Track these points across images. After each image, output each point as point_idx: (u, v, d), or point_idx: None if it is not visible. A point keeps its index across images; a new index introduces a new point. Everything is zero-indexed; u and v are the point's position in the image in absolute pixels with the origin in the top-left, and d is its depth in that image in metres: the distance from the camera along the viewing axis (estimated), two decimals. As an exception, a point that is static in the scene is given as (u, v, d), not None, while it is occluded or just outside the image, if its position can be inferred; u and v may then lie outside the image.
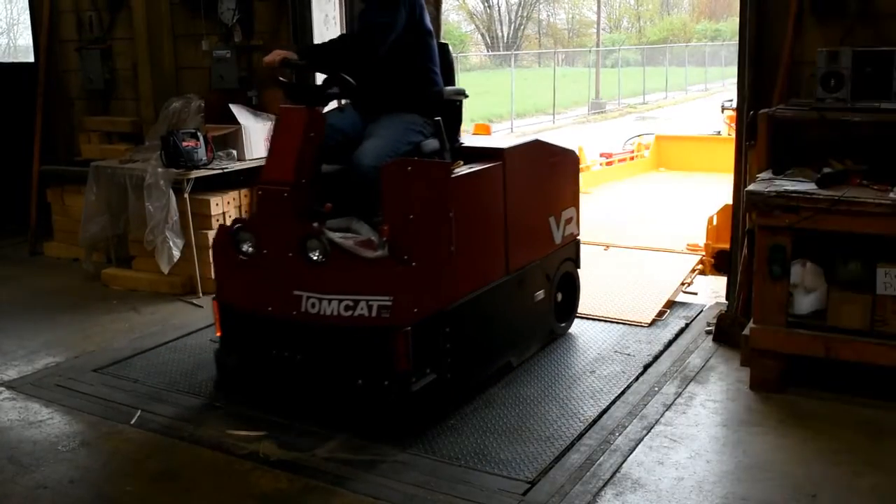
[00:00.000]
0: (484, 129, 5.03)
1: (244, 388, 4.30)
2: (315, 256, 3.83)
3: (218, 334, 4.30)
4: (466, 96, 4.76)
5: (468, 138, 4.85)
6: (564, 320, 5.19)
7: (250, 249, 4.03)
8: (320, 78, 4.31)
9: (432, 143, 4.41)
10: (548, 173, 4.88)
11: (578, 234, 5.23)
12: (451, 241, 4.03)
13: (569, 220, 5.08)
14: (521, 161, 4.60)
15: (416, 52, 4.42)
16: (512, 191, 4.48)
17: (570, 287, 5.22)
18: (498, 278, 4.45)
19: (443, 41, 4.80)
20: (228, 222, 5.34)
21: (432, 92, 4.50)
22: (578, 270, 5.29)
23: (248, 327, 4.12)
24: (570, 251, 5.16)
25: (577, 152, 5.35)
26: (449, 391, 4.08)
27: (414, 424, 3.92)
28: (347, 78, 4.09)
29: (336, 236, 3.83)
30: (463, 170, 4.26)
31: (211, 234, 6.05)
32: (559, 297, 5.09)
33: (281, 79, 4.31)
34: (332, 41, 4.52)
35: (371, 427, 3.89)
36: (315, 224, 3.84)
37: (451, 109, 4.60)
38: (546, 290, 4.89)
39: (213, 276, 4.72)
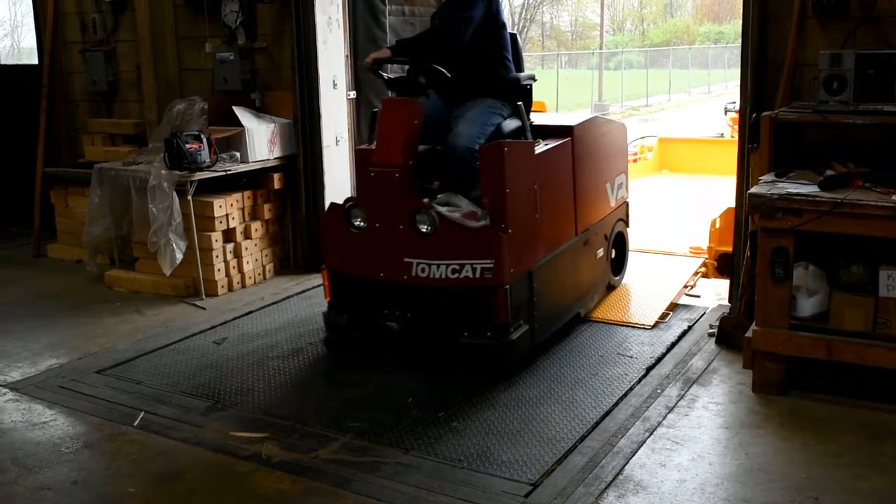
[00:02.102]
0: (540, 107, 5.56)
1: (353, 344, 4.86)
2: (424, 228, 4.41)
3: (327, 299, 4.91)
4: (536, 80, 5.28)
5: (535, 116, 5.28)
6: (618, 273, 5.92)
7: (362, 224, 4.60)
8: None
9: (511, 124, 4.91)
10: (604, 145, 5.59)
11: (628, 197, 6.00)
12: (536, 210, 4.68)
13: (620, 185, 5.85)
14: (586, 135, 5.30)
15: (492, 42, 4.92)
16: (579, 162, 5.18)
17: (621, 244, 5.99)
18: (569, 240, 5.12)
19: (511, 31, 5.19)
20: (231, 225, 5.73)
21: (507, 78, 4.99)
22: (628, 229, 6.04)
23: (359, 291, 4.69)
24: (622, 212, 5.95)
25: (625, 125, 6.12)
26: (535, 339, 4.70)
27: (512, 368, 4.54)
28: (443, 70, 4.62)
29: (444, 210, 4.40)
30: (542, 147, 4.88)
31: (214, 236, 6.08)
32: (613, 253, 5.80)
33: (382, 75, 4.79)
34: (419, 36, 5.00)
35: (476, 372, 4.49)
36: (425, 200, 4.42)
37: (524, 93, 5.08)
38: (604, 248, 5.63)
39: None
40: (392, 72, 4.97)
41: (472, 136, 4.62)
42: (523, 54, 5.38)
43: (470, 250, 4.37)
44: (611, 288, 5.79)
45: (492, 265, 4.35)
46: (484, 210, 4.43)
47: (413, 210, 4.42)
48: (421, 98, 4.74)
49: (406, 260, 4.46)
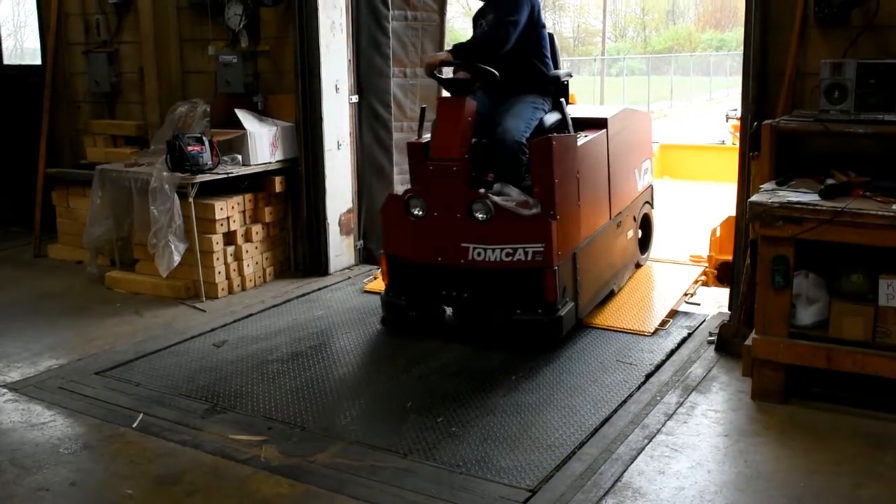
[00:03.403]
0: (572, 100, 5.93)
1: (410, 323, 5.28)
2: (481, 216, 4.83)
3: (385, 282, 5.35)
4: (571, 76, 5.72)
5: (569, 109, 5.59)
6: (644, 252, 6.48)
7: (420, 212, 5.02)
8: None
9: (551, 117, 5.30)
10: (632, 134, 6.10)
11: (652, 181, 6.59)
12: (579, 197, 5.14)
13: (646, 171, 6.43)
14: (618, 126, 5.77)
15: (533, 41, 5.30)
16: (612, 151, 5.67)
17: (647, 225, 6.53)
18: (605, 223, 5.60)
19: (549, 31, 5.56)
20: (232, 227, 5.83)
21: (548, 75, 5.38)
22: (653, 210, 6.59)
23: (417, 274, 5.12)
24: (648, 195, 6.52)
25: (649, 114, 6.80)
26: (579, 315, 5.19)
27: (560, 341, 5.00)
28: (493, 71, 4.96)
29: (499, 199, 4.81)
30: (583, 139, 5.34)
31: (214, 239, 6.08)
32: (640, 233, 6.34)
33: (438, 75, 5.15)
34: (471, 41, 5.28)
35: (528, 345, 4.93)
36: (481, 190, 4.85)
37: (562, 88, 5.46)
38: (633, 229, 6.17)
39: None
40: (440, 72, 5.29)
41: (520, 131, 5.01)
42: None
43: (522, 236, 4.80)
44: (638, 266, 6.35)
45: (542, 249, 4.79)
46: (534, 199, 4.85)
47: (470, 200, 4.85)
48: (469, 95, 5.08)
49: (463, 245, 4.90)
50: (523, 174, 5.01)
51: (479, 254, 4.89)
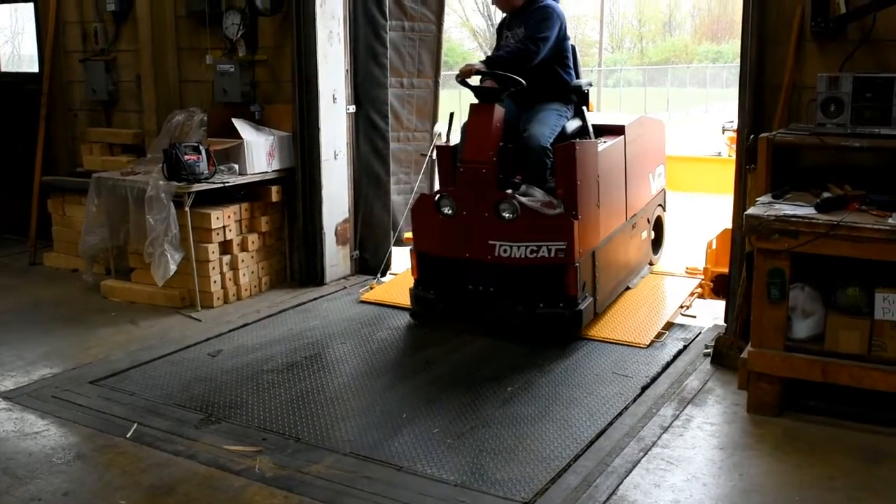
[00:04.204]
0: (590, 107, 6.10)
1: (438, 315, 5.61)
2: (507, 215, 5.12)
3: (415, 277, 5.65)
4: (591, 86, 6.13)
5: (588, 116, 5.93)
6: (656, 252, 6.82)
7: (450, 211, 5.30)
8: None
9: (573, 124, 5.65)
10: (647, 140, 6.49)
11: (664, 185, 6.94)
12: (598, 199, 5.45)
13: (659, 175, 6.78)
14: (635, 133, 6.14)
15: (559, 53, 5.62)
16: (629, 156, 6.03)
17: (659, 226, 6.89)
18: (621, 224, 5.92)
19: (571, 42, 5.86)
20: (228, 237, 5.86)
21: (570, 84, 5.71)
22: (665, 213, 6.96)
23: (446, 270, 5.43)
24: (660, 199, 6.88)
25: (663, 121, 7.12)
26: (597, 310, 5.50)
27: (579, 334, 5.32)
28: (521, 81, 5.27)
29: (525, 200, 5.11)
30: (603, 145, 5.66)
31: (211, 248, 6.08)
32: (653, 234, 6.67)
33: (470, 83, 5.45)
34: (504, 52, 5.53)
35: (549, 337, 5.24)
36: (508, 191, 5.15)
37: (583, 96, 5.82)
38: (647, 230, 6.52)
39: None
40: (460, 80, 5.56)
41: (545, 136, 5.34)
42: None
43: (547, 234, 5.11)
44: (651, 264, 6.70)
45: (565, 246, 5.09)
46: (558, 199, 5.16)
47: (498, 200, 5.13)
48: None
49: (490, 242, 5.19)
50: (547, 177, 5.33)
51: (504, 250, 5.17)
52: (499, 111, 5.29)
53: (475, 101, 5.41)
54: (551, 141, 5.34)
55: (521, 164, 5.40)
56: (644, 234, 6.46)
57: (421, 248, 5.57)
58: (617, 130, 5.98)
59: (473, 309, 5.41)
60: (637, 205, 6.25)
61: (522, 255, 5.14)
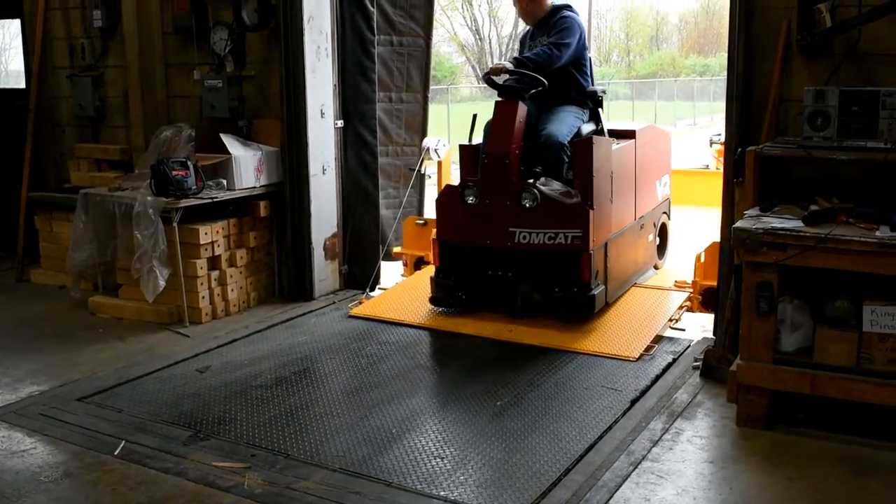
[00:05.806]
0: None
1: (459, 300, 5.92)
2: (528, 203, 5.49)
3: (436, 265, 6.02)
4: (605, 92, 6.54)
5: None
6: (661, 256, 7.11)
7: (474, 200, 5.67)
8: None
9: (587, 127, 6.04)
10: (655, 148, 6.83)
11: (669, 194, 7.27)
12: (612, 194, 5.83)
13: (665, 184, 7.12)
14: (645, 138, 6.53)
15: (577, 60, 6.05)
16: (639, 160, 6.40)
17: (664, 232, 7.18)
18: (631, 222, 6.28)
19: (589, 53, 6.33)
20: (217, 252, 5.87)
21: (586, 89, 6.13)
22: (669, 221, 7.27)
23: (467, 256, 5.79)
24: (665, 206, 7.20)
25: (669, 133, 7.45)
26: (607, 298, 5.83)
27: (592, 317, 5.67)
28: (543, 81, 5.68)
29: (545, 189, 5.50)
30: (616, 145, 6.04)
31: (199, 264, 6.06)
32: (657, 240, 6.96)
33: (496, 81, 5.79)
34: (531, 54, 5.88)
35: (564, 319, 5.63)
36: (530, 181, 5.55)
37: (598, 102, 6.22)
38: (653, 234, 6.84)
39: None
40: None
41: (563, 134, 5.76)
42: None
43: (564, 222, 5.46)
44: (656, 267, 6.98)
45: (580, 234, 5.45)
46: (575, 190, 5.52)
47: (519, 188, 5.50)
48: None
49: (510, 229, 5.56)
50: (564, 172, 5.73)
51: (524, 237, 5.54)
52: (522, 108, 5.63)
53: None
54: (569, 138, 5.73)
55: (539, 162, 5.79)
56: (650, 237, 6.79)
57: (443, 236, 5.92)
58: (628, 135, 6.36)
59: (492, 293, 5.76)
60: (645, 207, 6.58)
61: (541, 242, 5.51)
